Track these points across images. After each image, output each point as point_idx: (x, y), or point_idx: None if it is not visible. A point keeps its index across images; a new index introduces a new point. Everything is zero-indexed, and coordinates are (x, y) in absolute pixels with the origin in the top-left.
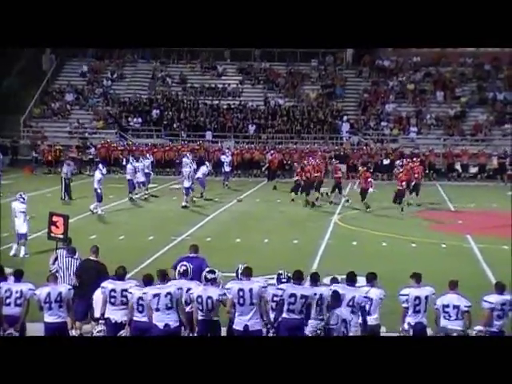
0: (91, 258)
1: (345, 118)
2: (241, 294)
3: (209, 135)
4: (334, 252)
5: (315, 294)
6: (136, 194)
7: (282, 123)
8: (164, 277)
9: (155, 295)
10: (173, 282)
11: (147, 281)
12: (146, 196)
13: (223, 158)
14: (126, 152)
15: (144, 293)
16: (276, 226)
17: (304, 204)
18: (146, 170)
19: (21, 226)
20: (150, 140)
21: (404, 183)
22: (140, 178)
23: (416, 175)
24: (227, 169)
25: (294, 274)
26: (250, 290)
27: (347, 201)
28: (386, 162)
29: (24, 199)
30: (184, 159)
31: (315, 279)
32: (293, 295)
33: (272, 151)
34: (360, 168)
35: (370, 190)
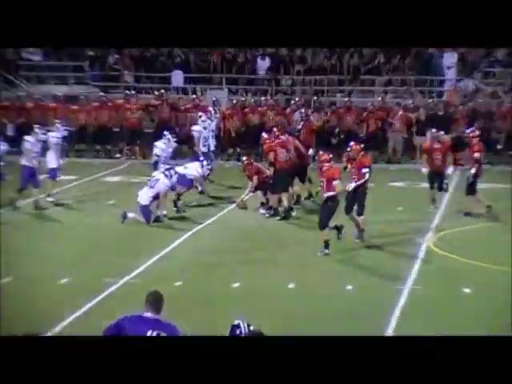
0: None
1: None
2: None
3: (178, 78)
4: (428, 308)
5: None
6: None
7: (321, 56)
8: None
9: None
10: None
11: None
12: (52, 199)
13: (201, 123)
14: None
15: None
16: (311, 256)
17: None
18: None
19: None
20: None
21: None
22: (51, 162)
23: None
24: (207, 145)
25: None
26: None
27: (467, 214)
28: None
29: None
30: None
31: None
32: None
33: (303, 110)
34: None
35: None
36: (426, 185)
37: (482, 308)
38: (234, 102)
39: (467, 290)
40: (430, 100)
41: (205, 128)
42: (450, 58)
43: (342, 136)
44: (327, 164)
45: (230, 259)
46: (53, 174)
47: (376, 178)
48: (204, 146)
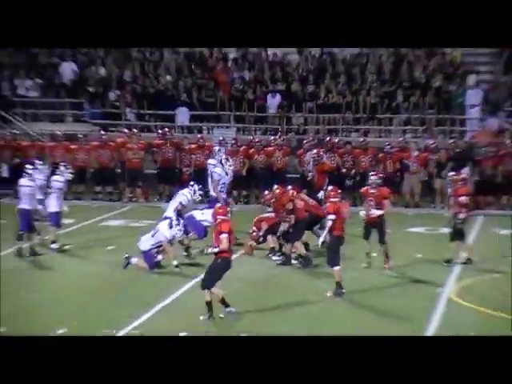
0: None
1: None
2: None
3: (183, 115)
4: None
5: None
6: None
7: (335, 93)
8: None
9: None
10: None
11: None
12: (56, 246)
13: (211, 166)
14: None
15: None
16: (322, 305)
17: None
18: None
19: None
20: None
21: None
22: (52, 206)
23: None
24: (224, 190)
25: None
26: None
27: (467, 261)
28: None
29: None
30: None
31: None
32: None
33: (315, 150)
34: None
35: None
36: (448, 230)
37: None
38: (241, 140)
39: None
40: (451, 140)
41: (228, 173)
42: (473, 96)
43: (358, 178)
44: (221, 217)
45: (238, 309)
46: (54, 218)
47: (393, 222)
48: (221, 191)
